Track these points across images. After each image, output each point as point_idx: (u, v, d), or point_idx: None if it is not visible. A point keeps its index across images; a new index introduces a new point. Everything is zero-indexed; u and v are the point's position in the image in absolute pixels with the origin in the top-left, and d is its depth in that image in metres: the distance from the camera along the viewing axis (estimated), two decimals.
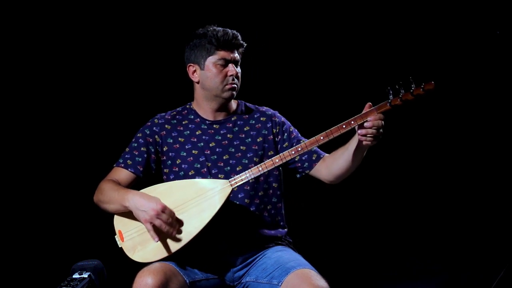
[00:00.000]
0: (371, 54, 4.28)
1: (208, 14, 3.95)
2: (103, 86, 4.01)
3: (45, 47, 3.87)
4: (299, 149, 2.34)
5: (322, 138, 2.31)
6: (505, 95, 4.16)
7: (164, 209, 2.25)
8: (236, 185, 2.35)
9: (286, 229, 2.56)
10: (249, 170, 2.35)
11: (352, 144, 2.35)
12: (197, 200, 2.32)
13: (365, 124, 2.25)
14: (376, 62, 4.29)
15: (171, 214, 2.27)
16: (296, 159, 2.51)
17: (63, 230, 3.89)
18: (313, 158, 2.51)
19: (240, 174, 2.35)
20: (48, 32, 3.86)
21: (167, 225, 2.25)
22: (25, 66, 3.86)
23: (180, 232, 2.30)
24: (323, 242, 4.29)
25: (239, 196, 2.44)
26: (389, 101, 2.25)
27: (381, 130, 2.26)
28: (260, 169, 2.35)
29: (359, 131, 2.26)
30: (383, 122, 2.26)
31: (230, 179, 2.35)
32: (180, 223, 2.30)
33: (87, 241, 3.76)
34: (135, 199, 2.29)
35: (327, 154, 2.52)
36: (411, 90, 2.22)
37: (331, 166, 2.46)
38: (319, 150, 2.53)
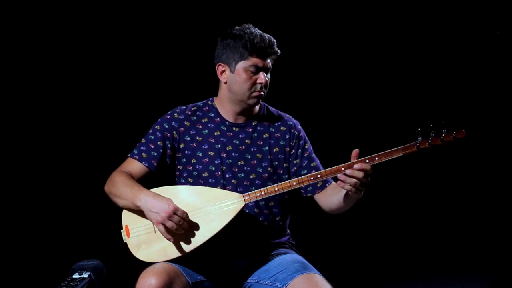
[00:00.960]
0: (375, 56, 4.30)
1: (220, 11, 3.95)
2: (106, 82, 4.01)
3: (59, 44, 3.90)
4: (319, 176, 2.29)
5: (343, 168, 2.24)
6: (505, 95, 4.16)
7: (176, 211, 2.23)
8: (249, 201, 2.32)
9: (289, 235, 2.55)
10: (266, 188, 2.31)
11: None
12: (208, 209, 2.31)
13: (347, 171, 2.15)
14: (376, 60, 4.30)
15: (183, 215, 2.24)
16: None
17: (63, 230, 3.89)
18: (318, 185, 2.47)
19: (256, 191, 2.32)
20: (64, 29, 3.89)
21: (179, 227, 2.23)
22: (39, 61, 3.89)
23: (187, 238, 2.28)
24: (325, 244, 4.29)
25: (249, 204, 2.41)
26: (418, 143, 2.20)
27: (364, 184, 2.18)
28: (276, 189, 2.31)
29: (338, 176, 2.19)
30: (365, 177, 2.16)
31: (244, 194, 2.32)
32: (191, 226, 2.28)
33: (87, 241, 3.76)
34: (147, 200, 2.26)
35: (334, 183, 2.46)
36: (442, 136, 2.18)
37: (327, 199, 2.43)
38: (329, 178, 2.45)
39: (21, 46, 3.82)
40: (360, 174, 2.16)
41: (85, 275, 2.34)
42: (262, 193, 2.31)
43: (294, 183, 2.31)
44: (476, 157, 4.33)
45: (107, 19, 3.93)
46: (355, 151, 2.21)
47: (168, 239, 2.25)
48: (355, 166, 2.16)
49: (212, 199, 2.32)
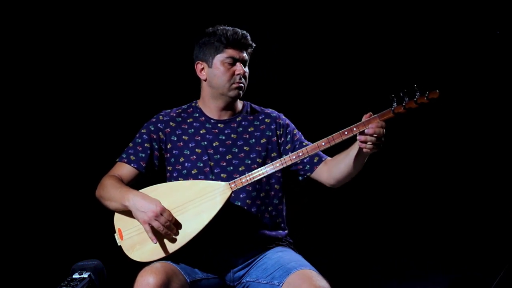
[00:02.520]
0: (373, 55, 4.29)
1: (216, 13, 3.96)
2: (104, 82, 4.00)
3: (49, 45, 3.88)
4: (300, 154, 2.34)
5: (323, 144, 2.31)
6: (505, 95, 4.17)
7: (163, 212, 2.26)
8: (236, 188, 2.35)
9: (286, 230, 2.57)
10: (250, 173, 2.35)
11: (353, 150, 2.35)
12: (196, 201, 2.33)
13: (366, 131, 2.24)
14: (378, 63, 4.30)
15: (170, 216, 2.28)
16: (297, 162, 2.50)
17: (63, 230, 3.89)
18: (315, 160, 2.51)
19: (241, 177, 2.35)
20: (55, 30, 3.87)
21: (164, 228, 2.26)
22: (32, 63, 3.87)
23: (178, 233, 2.30)
24: (324, 242, 4.29)
25: (241, 196, 2.44)
26: (392, 108, 2.24)
27: (382, 139, 2.25)
28: (261, 172, 2.35)
29: (359, 137, 2.26)
30: (384, 130, 2.24)
31: (230, 182, 2.35)
32: (178, 225, 2.31)
33: (87, 241, 3.76)
34: (135, 200, 2.30)
35: (329, 158, 2.52)
36: (415, 99, 2.21)
37: (332, 169, 2.46)
38: (321, 153, 2.52)
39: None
40: (380, 131, 2.23)
41: (85, 275, 2.35)
42: (248, 178, 2.34)
43: (278, 164, 2.35)
44: (475, 156, 4.33)
45: (94, 24, 3.93)
46: (369, 114, 2.27)
47: (151, 240, 2.28)
48: (372, 125, 2.22)
49: (199, 191, 2.34)
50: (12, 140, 3.84)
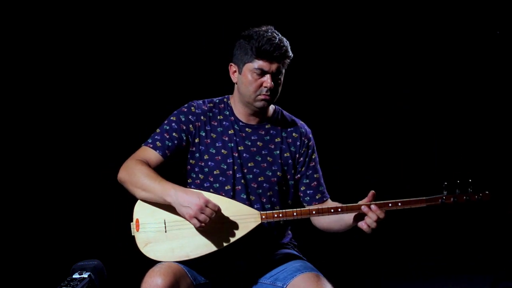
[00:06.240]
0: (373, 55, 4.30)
1: (247, 11, 3.96)
2: (105, 82, 4.01)
3: (59, 43, 3.90)
4: (339, 209, 2.29)
5: (363, 208, 2.25)
6: (505, 95, 4.17)
7: (207, 203, 2.22)
8: (266, 220, 2.31)
9: (291, 234, 2.56)
10: (285, 211, 2.31)
11: (350, 219, 2.33)
12: (225, 220, 2.30)
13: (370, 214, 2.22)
14: (378, 60, 4.31)
15: (215, 207, 2.24)
16: (301, 189, 2.49)
17: (63, 230, 3.89)
18: (317, 197, 2.49)
19: (274, 212, 2.31)
20: (72, 27, 3.89)
21: (211, 220, 2.22)
22: (47, 57, 3.89)
23: (197, 244, 2.29)
24: (328, 245, 4.29)
25: (255, 207, 2.41)
26: (443, 198, 2.21)
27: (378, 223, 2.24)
28: (295, 214, 2.31)
29: (364, 221, 2.24)
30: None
31: (262, 212, 2.32)
32: (219, 221, 2.27)
33: (87, 241, 3.76)
34: (178, 195, 2.24)
35: (330, 201, 2.50)
36: (467, 196, 2.18)
37: (321, 218, 2.42)
38: (325, 191, 2.50)
39: (31, 46, 3.82)
40: (377, 218, 2.23)
41: (85, 275, 2.34)
42: (280, 215, 2.31)
43: (314, 212, 2.31)
44: (476, 156, 4.34)
45: (126, 14, 3.94)
46: (372, 193, 2.25)
47: (202, 229, 2.24)
48: (373, 208, 2.22)
49: (231, 210, 2.31)
50: (12, 140, 3.84)
